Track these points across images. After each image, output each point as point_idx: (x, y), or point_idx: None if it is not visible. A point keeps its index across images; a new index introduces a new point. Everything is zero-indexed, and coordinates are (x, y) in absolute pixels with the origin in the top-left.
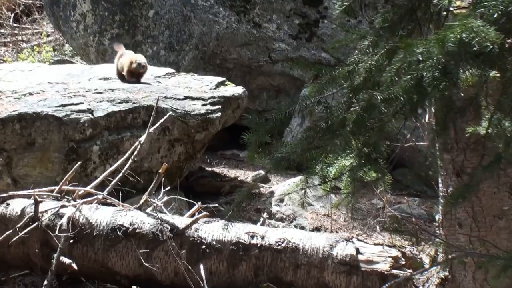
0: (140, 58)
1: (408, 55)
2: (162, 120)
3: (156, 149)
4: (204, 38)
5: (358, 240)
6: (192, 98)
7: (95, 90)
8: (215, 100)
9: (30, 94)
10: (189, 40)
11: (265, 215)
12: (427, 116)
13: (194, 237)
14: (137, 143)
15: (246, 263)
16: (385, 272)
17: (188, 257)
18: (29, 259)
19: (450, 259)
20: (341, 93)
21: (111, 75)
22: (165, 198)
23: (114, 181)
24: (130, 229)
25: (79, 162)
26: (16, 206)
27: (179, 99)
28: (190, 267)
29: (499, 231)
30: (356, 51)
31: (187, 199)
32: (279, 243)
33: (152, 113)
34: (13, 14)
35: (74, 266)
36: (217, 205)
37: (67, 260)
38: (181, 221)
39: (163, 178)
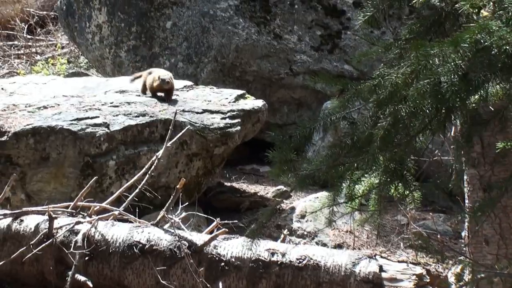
0: (164, 74)
1: (420, 56)
2: (180, 134)
3: (174, 164)
4: (223, 50)
5: (382, 257)
6: (211, 112)
7: (111, 103)
8: (234, 113)
9: (45, 107)
10: (208, 52)
11: (285, 231)
12: (452, 130)
13: (213, 254)
14: (154, 157)
15: (266, 281)
16: None
17: (206, 275)
18: (43, 277)
19: (477, 278)
20: (366, 108)
21: (127, 88)
22: (183, 214)
23: (131, 196)
24: (147, 246)
25: (94, 178)
26: (30, 222)
27: (197, 113)
28: (208, 285)
29: None
30: (382, 64)
31: (206, 215)
32: (300, 260)
33: (170, 127)
34: (27, 26)
35: (90, 284)
36: (236, 221)
37: (82, 278)
38: (199, 238)
39: (181, 194)
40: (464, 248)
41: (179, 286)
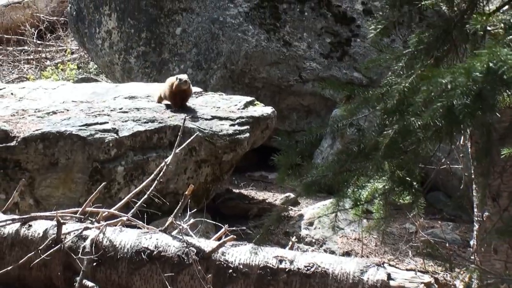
0: (182, 75)
1: (432, 86)
2: (188, 140)
3: (183, 170)
4: (233, 56)
5: (390, 265)
6: (220, 118)
7: (120, 109)
8: (243, 120)
9: (54, 113)
10: (217, 59)
11: (294, 238)
12: (461, 139)
13: (221, 261)
14: (163, 163)
15: None
16: None
17: (214, 281)
18: (51, 282)
19: (485, 285)
20: (374, 115)
21: (137, 93)
22: (191, 220)
23: (139, 202)
24: (155, 252)
25: (103, 183)
26: (38, 227)
27: (206, 119)
28: None
29: None
30: (390, 73)
31: (214, 222)
32: (308, 267)
33: (179, 133)
34: (36, 31)
35: None
36: (244, 228)
37: (90, 284)
38: (207, 244)
39: (189, 200)
40: (473, 257)
41: None
